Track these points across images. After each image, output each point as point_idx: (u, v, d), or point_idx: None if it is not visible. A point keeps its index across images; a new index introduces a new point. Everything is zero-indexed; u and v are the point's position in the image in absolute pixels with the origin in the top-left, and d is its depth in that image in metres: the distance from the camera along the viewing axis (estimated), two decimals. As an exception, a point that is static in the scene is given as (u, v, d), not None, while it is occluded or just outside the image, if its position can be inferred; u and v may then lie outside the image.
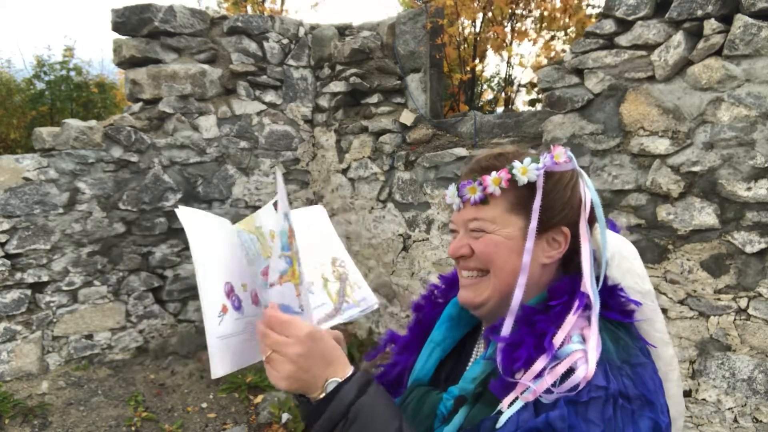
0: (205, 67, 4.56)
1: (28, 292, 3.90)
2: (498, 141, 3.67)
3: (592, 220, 0.95)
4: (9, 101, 6.86)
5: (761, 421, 2.56)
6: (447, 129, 4.21)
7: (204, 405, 4.08)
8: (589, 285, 0.86)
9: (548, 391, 0.78)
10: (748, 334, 2.58)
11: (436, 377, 1.01)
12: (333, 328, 1.05)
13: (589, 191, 0.94)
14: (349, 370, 0.86)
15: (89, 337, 4.17)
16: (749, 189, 2.51)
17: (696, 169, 2.67)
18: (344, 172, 4.85)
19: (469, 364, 1.00)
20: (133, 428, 3.74)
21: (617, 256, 0.95)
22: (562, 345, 0.81)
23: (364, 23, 4.83)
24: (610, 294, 0.91)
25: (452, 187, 0.98)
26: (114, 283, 4.25)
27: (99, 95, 7.39)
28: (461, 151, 3.84)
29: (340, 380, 0.83)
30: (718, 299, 2.65)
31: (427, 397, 0.94)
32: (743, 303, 2.58)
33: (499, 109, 5.97)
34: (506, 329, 0.87)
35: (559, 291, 0.89)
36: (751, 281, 2.55)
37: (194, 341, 4.58)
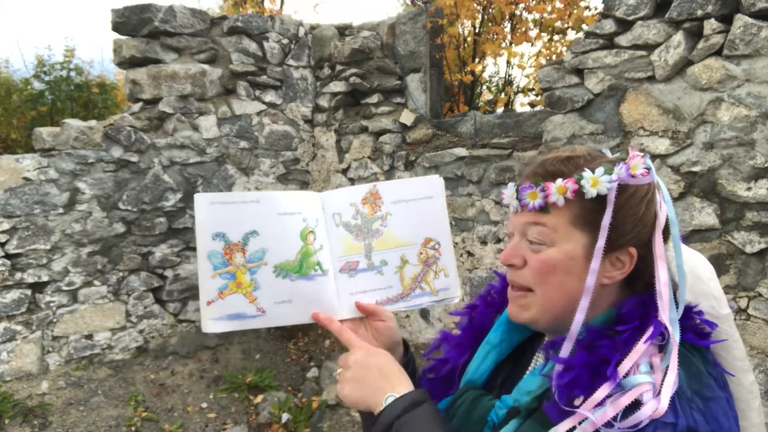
0: (205, 67, 4.56)
1: (28, 292, 3.90)
2: (498, 141, 3.67)
3: (665, 237, 0.85)
4: (8, 101, 6.86)
5: (761, 421, 2.56)
6: (447, 129, 4.21)
7: (204, 405, 4.08)
8: (666, 316, 0.78)
9: (608, 423, 0.72)
10: (748, 334, 2.58)
11: (491, 381, 0.96)
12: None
13: (665, 205, 0.83)
14: (408, 387, 0.87)
15: (89, 337, 4.17)
16: (749, 189, 2.51)
17: (696, 169, 2.67)
18: (344, 172, 4.85)
19: (527, 371, 0.94)
20: (133, 428, 3.74)
21: (690, 276, 0.85)
22: (627, 374, 0.75)
23: (364, 23, 4.83)
24: (684, 315, 0.82)
25: (511, 187, 0.89)
26: (114, 283, 4.25)
27: (99, 95, 7.39)
28: (461, 151, 3.84)
29: (397, 396, 0.85)
30: (718, 299, 2.65)
31: (479, 402, 0.90)
32: (743, 303, 2.58)
33: (499, 110, 5.98)
34: (564, 352, 0.80)
35: (630, 314, 0.81)
36: (751, 281, 2.55)
37: (194, 341, 4.58)
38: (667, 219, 0.83)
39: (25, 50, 18.54)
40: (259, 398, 4.18)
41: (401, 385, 0.87)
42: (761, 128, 2.47)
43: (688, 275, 0.84)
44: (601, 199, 0.81)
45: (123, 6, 4.32)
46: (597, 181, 0.80)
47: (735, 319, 2.61)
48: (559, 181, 0.82)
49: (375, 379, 0.87)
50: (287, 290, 0.98)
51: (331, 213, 1.03)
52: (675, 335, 0.77)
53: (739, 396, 0.89)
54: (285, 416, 3.96)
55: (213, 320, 0.96)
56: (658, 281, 0.80)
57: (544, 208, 0.84)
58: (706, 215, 2.66)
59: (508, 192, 0.90)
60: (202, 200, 0.96)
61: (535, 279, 0.86)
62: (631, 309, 0.82)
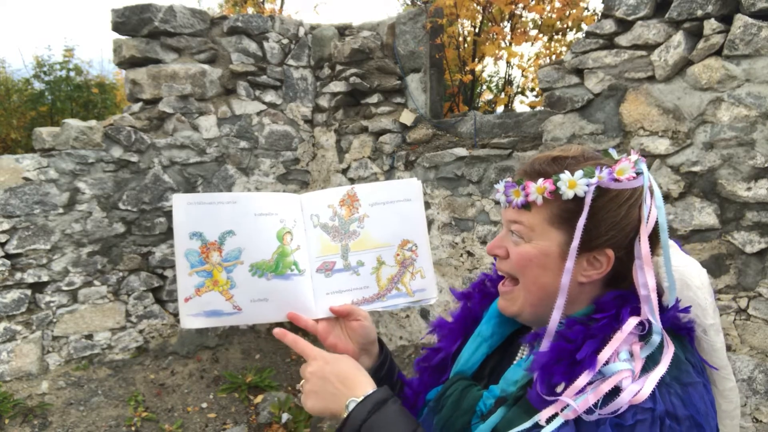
0: (205, 67, 4.56)
1: (28, 292, 3.90)
2: (498, 141, 3.67)
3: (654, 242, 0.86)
4: (7, 101, 6.87)
5: (761, 421, 2.56)
6: (447, 129, 4.21)
7: (204, 405, 4.08)
8: (657, 318, 0.80)
9: (589, 410, 0.75)
10: (748, 334, 2.58)
11: (479, 371, 1.00)
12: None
13: (657, 211, 0.84)
14: (369, 389, 0.88)
15: (89, 337, 4.17)
16: (749, 189, 2.51)
17: (696, 169, 2.67)
18: (344, 172, 4.85)
19: (514, 362, 0.97)
20: (133, 428, 3.74)
21: (679, 283, 0.87)
22: (608, 362, 0.77)
23: (364, 23, 4.83)
24: (666, 309, 0.86)
25: (501, 184, 0.94)
26: (114, 283, 4.25)
27: (99, 95, 7.40)
28: (461, 151, 3.84)
29: (359, 400, 0.86)
30: (718, 299, 2.65)
31: (468, 392, 0.93)
32: (743, 303, 2.59)
33: (499, 109, 5.98)
34: (544, 347, 0.83)
35: (608, 305, 0.84)
36: (751, 281, 2.55)
37: (194, 341, 4.58)
38: (657, 224, 0.84)
39: (25, 50, 18.55)
40: (259, 398, 4.18)
41: (361, 387, 0.89)
42: (761, 128, 2.47)
43: (677, 282, 0.86)
44: (579, 201, 0.83)
45: (123, 6, 4.32)
46: (574, 183, 0.83)
47: (735, 320, 2.61)
48: (540, 180, 0.86)
49: (334, 387, 0.89)
50: (263, 289, 1.01)
51: (310, 214, 1.05)
52: (666, 339, 0.79)
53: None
54: (285, 416, 3.96)
55: (191, 316, 0.99)
56: (643, 286, 0.82)
57: (526, 206, 0.88)
58: (706, 215, 2.66)
59: (499, 188, 0.94)
60: (179, 201, 1.00)
61: (516, 271, 0.91)
62: (609, 300, 0.85)
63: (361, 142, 4.62)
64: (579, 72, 3.11)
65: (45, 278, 3.94)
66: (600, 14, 3.02)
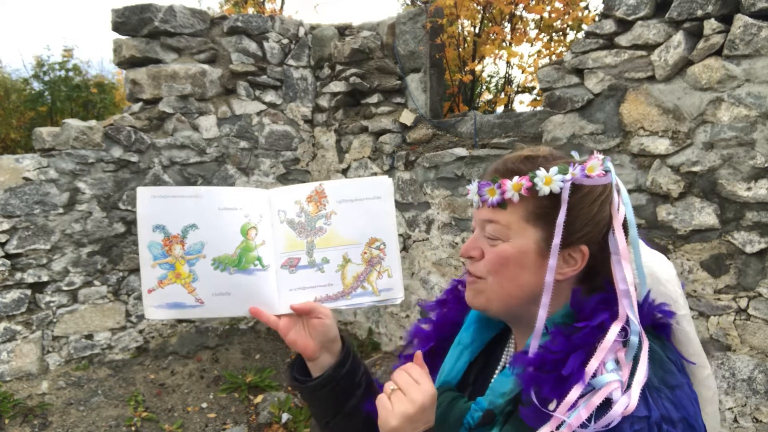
0: (205, 67, 4.56)
1: (28, 292, 3.90)
2: (498, 141, 3.67)
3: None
4: (6, 101, 6.87)
5: (761, 421, 2.56)
6: (447, 129, 4.21)
7: (204, 405, 4.08)
8: (636, 313, 0.81)
9: (583, 425, 0.74)
10: (748, 334, 2.58)
11: (463, 379, 0.99)
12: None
13: (624, 208, 0.86)
14: None
15: (89, 337, 4.17)
16: (749, 189, 2.52)
17: (696, 169, 2.67)
18: (344, 172, 4.85)
19: (498, 368, 0.97)
20: (133, 428, 3.74)
21: (649, 278, 0.89)
22: (595, 374, 0.77)
23: (364, 23, 4.83)
24: (641, 305, 0.86)
25: (474, 184, 0.94)
26: (114, 283, 4.25)
27: (98, 95, 7.40)
28: (461, 151, 3.84)
29: None
30: (718, 299, 2.65)
31: (455, 404, 0.93)
32: (743, 303, 2.59)
33: (499, 109, 5.98)
34: (533, 348, 0.83)
35: (593, 311, 0.84)
36: (751, 281, 2.55)
37: (194, 341, 4.58)
38: (625, 220, 0.86)
39: (24, 50, 18.57)
40: (259, 398, 4.18)
41: None
42: (761, 128, 2.47)
43: (647, 277, 0.88)
44: (554, 197, 0.85)
45: (123, 6, 4.32)
46: (550, 180, 0.84)
47: (735, 320, 2.61)
48: (516, 178, 0.87)
49: (417, 427, 0.86)
50: (226, 283, 1.01)
51: (277, 209, 1.06)
52: (638, 330, 0.80)
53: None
54: (285, 416, 3.96)
55: (154, 307, 1.01)
56: (622, 281, 0.83)
57: (502, 204, 0.88)
58: (706, 215, 2.66)
59: (472, 188, 0.94)
60: (144, 194, 1.00)
61: (489, 269, 0.89)
62: (593, 307, 0.84)
63: (361, 142, 4.62)
64: (579, 72, 3.11)
65: (45, 278, 3.94)
66: (600, 14, 3.02)
